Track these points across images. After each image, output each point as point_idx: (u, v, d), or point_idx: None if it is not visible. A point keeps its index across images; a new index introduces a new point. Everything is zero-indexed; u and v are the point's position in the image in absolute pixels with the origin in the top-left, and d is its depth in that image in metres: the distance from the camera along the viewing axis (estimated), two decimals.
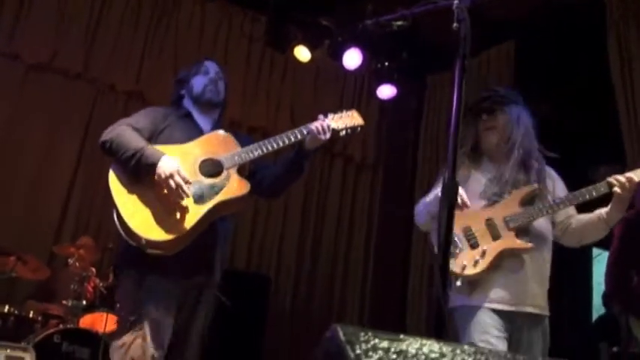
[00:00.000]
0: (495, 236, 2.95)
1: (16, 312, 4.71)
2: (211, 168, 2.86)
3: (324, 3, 6.50)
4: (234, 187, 2.85)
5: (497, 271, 2.91)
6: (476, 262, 2.96)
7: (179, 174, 2.71)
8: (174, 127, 3.02)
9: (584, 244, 3.18)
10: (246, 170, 3.02)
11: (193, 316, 2.91)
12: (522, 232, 2.97)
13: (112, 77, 6.17)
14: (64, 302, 4.88)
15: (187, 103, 3.18)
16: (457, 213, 2.55)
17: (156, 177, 2.71)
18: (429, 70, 7.35)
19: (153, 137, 2.94)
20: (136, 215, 2.69)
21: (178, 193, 2.71)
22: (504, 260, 2.92)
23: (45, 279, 5.21)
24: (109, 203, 2.76)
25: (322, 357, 1.03)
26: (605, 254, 7.51)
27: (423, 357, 1.01)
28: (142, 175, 2.76)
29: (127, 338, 2.69)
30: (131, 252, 2.74)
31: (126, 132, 2.84)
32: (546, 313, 3.02)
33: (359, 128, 3.15)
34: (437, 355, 1.03)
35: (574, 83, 6.10)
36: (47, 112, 5.96)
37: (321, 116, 3.00)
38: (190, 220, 2.72)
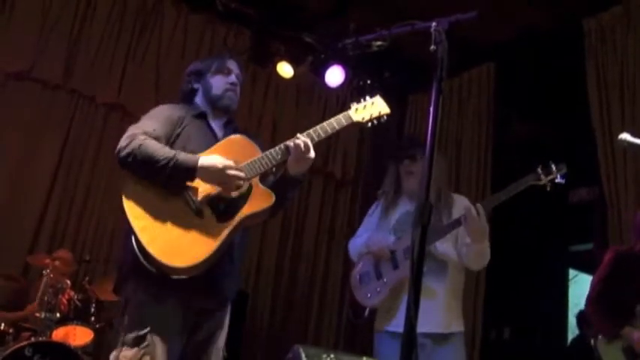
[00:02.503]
0: (395, 267, 3.37)
1: None
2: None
3: (308, 20, 6.54)
4: (259, 198, 2.66)
5: (397, 297, 3.30)
6: (377, 292, 3.45)
7: (229, 164, 2.57)
8: (189, 132, 2.80)
9: (480, 267, 3.44)
10: (270, 176, 2.87)
11: (213, 335, 2.75)
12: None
13: (92, 89, 6.12)
14: (37, 314, 4.81)
15: (200, 100, 2.99)
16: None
17: (201, 177, 2.55)
18: (410, 89, 7.40)
19: (168, 144, 2.71)
20: (157, 240, 2.49)
21: (237, 179, 2.58)
22: (402, 289, 3.24)
23: (18, 290, 5.14)
24: (126, 227, 2.56)
25: None
26: (582, 276, 7.61)
27: None
28: (175, 184, 2.58)
29: (130, 353, 2.51)
30: (140, 269, 2.52)
31: (147, 141, 2.60)
32: (451, 330, 3.34)
33: (385, 117, 2.97)
34: None
35: (552, 105, 6.17)
36: (25, 122, 5.89)
37: (299, 134, 2.77)
38: (215, 241, 2.54)
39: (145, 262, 2.48)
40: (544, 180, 3.15)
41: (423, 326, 3.11)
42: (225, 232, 2.56)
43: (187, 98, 3.03)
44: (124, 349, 2.55)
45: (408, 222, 3.38)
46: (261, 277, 6.79)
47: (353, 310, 3.64)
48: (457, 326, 3.37)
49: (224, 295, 2.75)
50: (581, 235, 6.24)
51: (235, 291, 2.84)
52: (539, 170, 3.16)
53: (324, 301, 7.07)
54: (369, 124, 2.94)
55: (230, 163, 2.59)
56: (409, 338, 1.74)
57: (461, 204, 3.39)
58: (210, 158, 2.59)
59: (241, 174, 2.60)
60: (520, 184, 3.14)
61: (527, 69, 6.07)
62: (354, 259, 3.71)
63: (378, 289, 3.45)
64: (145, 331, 2.52)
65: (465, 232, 3.25)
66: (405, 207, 3.53)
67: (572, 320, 7.25)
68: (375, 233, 3.54)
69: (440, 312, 3.29)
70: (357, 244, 3.68)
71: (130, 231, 2.52)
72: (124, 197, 2.56)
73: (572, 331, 7.23)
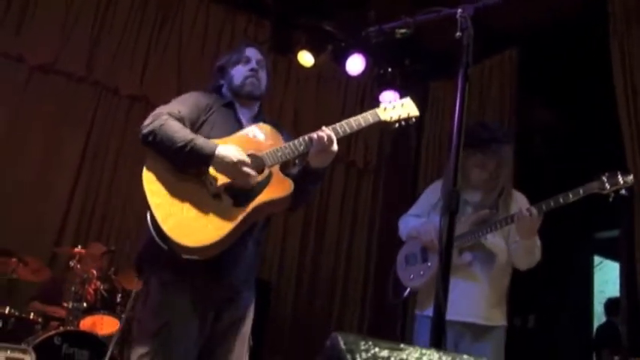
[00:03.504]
0: None
1: (16, 313, 4.71)
2: (253, 164, 2.63)
3: (328, 8, 6.51)
4: (277, 186, 2.65)
5: None
6: (420, 275, 3.46)
7: (243, 161, 2.56)
8: (215, 119, 2.80)
9: (529, 266, 3.38)
10: (292, 168, 2.86)
11: (235, 324, 2.73)
12: (471, 250, 3.32)
13: (115, 80, 6.18)
14: (64, 304, 4.87)
15: (227, 92, 3.00)
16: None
17: (215, 168, 2.56)
18: (431, 77, 7.35)
19: (193, 129, 2.71)
20: (171, 218, 2.49)
21: (248, 178, 2.57)
22: None
23: (46, 280, 5.21)
24: (143, 204, 2.56)
25: None
26: (607, 263, 7.56)
27: None
28: (190, 168, 2.58)
29: (151, 346, 2.51)
30: (158, 253, 2.53)
31: (169, 121, 2.62)
32: (492, 323, 3.31)
33: (414, 119, 2.90)
34: None
35: (577, 91, 6.11)
36: (50, 115, 5.97)
37: (324, 127, 2.73)
38: (230, 224, 2.52)
39: (157, 238, 2.49)
40: (608, 190, 2.98)
41: (464, 315, 3.21)
42: (240, 217, 2.55)
43: (218, 92, 3.04)
44: (140, 341, 2.58)
45: (463, 211, 3.34)
46: (285, 266, 6.82)
47: (393, 289, 3.67)
48: (499, 320, 3.34)
49: (235, 281, 2.72)
50: (607, 222, 6.20)
51: (252, 279, 2.82)
52: (605, 178, 2.99)
53: (346, 290, 7.08)
54: (397, 124, 2.88)
55: (246, 159, 2.58)
56: (438, 324, 1.73)
57: (520, 201, 3.38)
58: (227, 149, 2.59)
59: (253, 172, 2.58)
60: (583, 191, 3.01)
61: (550, 54, 6.00)
62: (403, 238, 3.72)
63: (422, 272, 3.46)
64: (160, 324, 2.54)
65: (514, 232, 3.26)
66: (463, 196, 3.38)
67: (597, 307, 7.21)
68: (427, 221, 3.51)
69: (482, 302, 3.28)
70: (408, 225, 3.67)
71: (147, 207, 2.54)
72: (144, 172, 2.58)
73: (598, 318, 7.19)
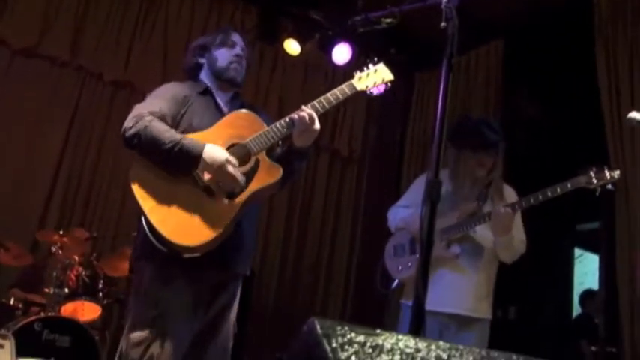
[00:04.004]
0: None
1: None
2: (239, 154, 2.65)
3: None
4: (266, 173, 2.66)
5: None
6: (409, 266, 3.51)
7: (230, 162, 2.56)
8: (195, 109, 2.81)
9: (512, 259, 3.45)
10: (276, 150, 2.86)
11: (225, 309, 2.77)
12: (459, 242, 3.37)
13: (99, 66, 6.11)
14: (46, 290, 4.85)
15: (205, 75, 2.99)
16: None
17: (202, 168, 2.55)
18: (417, 67, 7.36)
19: (174, 124, 2.72)
20: (168, 221, 2.50)
21: (233, 182, 2.57)
22: (434, 266, 3.15)
23: (27, 266, 5.18)
24: (135, 203, 2.57)
25: (299, 350, 1.04)
26: (587, 255, 7.62)
27: (399, 352, 1.02)
28: (177, 170, 2.58)
29: (146, 334, 2.53)
30: (152, 248, 2.54)
31: (153, 123, 2.60)
32: (478, 315, 3.37)
33: (389, 83, 2.92)
34: (412, 350, 1.04)
35: (562, 83, 6.14)
36: (33, 99, 5.90)
37: (303, 106, 2.79)
38: (225, 218, 2.55)
39: (156, 243, 2.50)
40: (595, 184, 3.04)
41: (450, 306, 3.26)
42: (235, 210, 2.57)
43: (192, 74, 3.04)
44: (135, 330, 2.58)
45: (454, 202, 3.39)
46: (268, 253, 6.81)
47: (381, 280, 3.71)
48: (485, 313, 3.39)
49: (234, 267, 2.77)
50: (588, 215, 6.25)
51: (247, 265, 2.86)
52: (592, 173, 3.04)
53: (330, 278, 7.10)
54: (375, 90, 2.91)
55: (232, 160, 2.58)
56: (417, 312, 1.75)
57: (508, 195, 3.43)
58: (213, 151, 2.58)
59: (238, 176, 2.58)
60: (571, 185, 3.06)
61: (536, 47, 6.02)
62: (392, 229, 3.76)
63: (410, 264, 3.52)
64: (156, 312, 2.55)
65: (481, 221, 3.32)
66: (457, 189, 3.49)
67: (577, 299, 7.29)
68: (416, 212, 3.51)
69: (469, 293, 3.33)
70: (397, 217, 3.71)
71: (140, 212, 2.54)
72: (131, 179, 2.58)
73: (577, 309, 7.27)
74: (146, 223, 2.52)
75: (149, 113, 2.65)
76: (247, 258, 2.86)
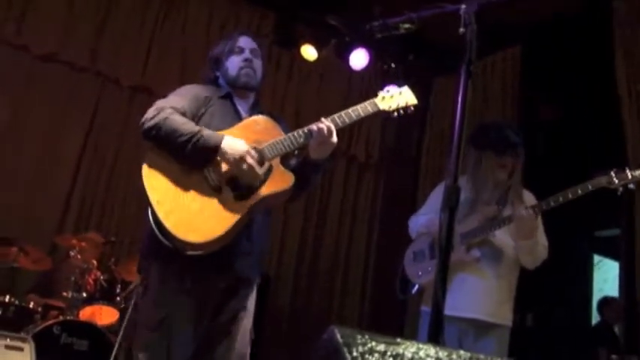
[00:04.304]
0: None
1: (16, 302, 4.72)
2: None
3: (332, 3, 6.50)
4: (278, 180, 2.64)
5: (448, 280, 3.17)
6: (428, 271, 3.45)
7: (250, 154, 2.56)
8: (214, 110, 2.81)
9: (534, 265, 3.38)
10: (292, 159, 2.86)
11: (237, 315, 2.74)
12: (479, 246, 3.32)
13: (117, 71, 6.17)
14: (64, 294, 4.88)
15: (223, 84, 2.99)
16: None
17: (220, 159, 2.55)
18: (435, 73, 7.35)
19: (193, 121, 2.71)
20: (173, 214, 2.49)
21: (252, 174, 2.56)
22: (454, 271, 3.16)
23: (46, 270, 5.22)
24: (143, 200, 2.56)
25: (319, 358, 1.04)
26: (606, 262, 7.55)
27: None
28: (195, 161, 2.57)
29: (151, 338, 2.55)
30: (158, 247, 2.53)
31: (173, 115, 2.62)
32: (497, 321, 3.29)
33: (412, 108, 2.89)
34: (433, 359, 1.04)
35: (579, 88, 6.10)
36: (52, 104, 5.96)
37: (323, 118, 2.73)
38: (232, 218, 2.53)
39: (160, 236, 2.49)
40: (616, 184, 2.99)
41: (468, 311, 3.21)
42: (242, 212, 2.56)
43: (213, 83, 3.04)
44: (142, 332, 2.62)
45: (474, 206, 3.36)
46: (284, 259, 6.82)
47: (401, 286, 3.69)
48: (504, 319, 3.32)
49: (241, 273, 2.74)
50: (607, 221, 6.19)
51: (256, 271, 2.83)
52: (612, 173, 3.00)
53: (346, 284, 7.09)
54: (395, 113, 2.88)
55: (252, 151, 2.58)
56: (436, 319, 1.74)
57: (528, 199, 3.37)
58: (233, 141, 2.59)
59: (257, 168, 2.57)
60: (591, 185, 3.02)
61: (554, 52, 5.98)
62: (413, 236, 3.73)
63: (430, 269, 3.47)
64: (162, 315, 2.55)
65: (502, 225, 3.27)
66: (477, 194, 3.45)
67: (595, 306, 7.22)
68: (435, 216, 3.51)
69: (488, 298, 3.27)
70: (417, 223, 3.70)
71: (148, 203, 2.54)
72: (144, 168, 2.58)
73: (596, 317, 7.20)
74: (152, 215, 2.52)
75: (170, 107, 2.68)
76: (256, 264, 2.83)
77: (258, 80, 3.00)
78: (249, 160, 2.55)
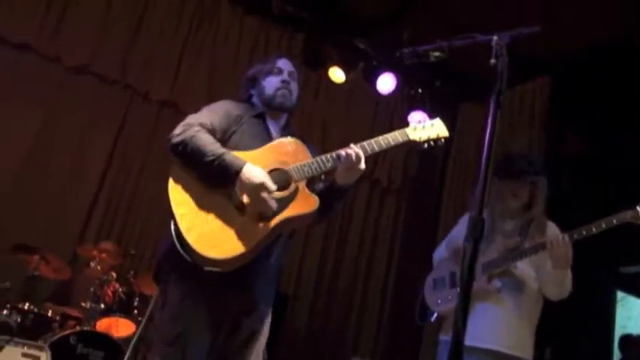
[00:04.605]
0: None
1: (35, 310, 4.75)
2: (279, 179, 2.63)
3: (361, 26, 6.55)
4: (302, 202, 2.63)
5: None
6: (448, 300, 3.43)
7: (265, 185, 2.54)
8: (245, 129, 2.81)
9: (560, 297, 3.30)
10: (318, 184, 2.85)
11: (253, 335, 2.72)
12: (501, 277, 3.27)
13: (146, 85, 6.24)
14: (82, 304, 4.91)
15: (257, 103, 3.00)
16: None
17: (238, 186, 2.55)
18: (461, 100, 7.34)
19: (223, 139, 2.72)
20: (195, 229, 2.50)
21: (264, 206, 2.55)
22: (474, 300, 3.00)
23: (65, 279, 5.25)
24: (167, 214, 2.57)
25: None
26: (630, 298, 7.43)
27: None
28: (217, 182, 2.58)
29: (166, 354, 2.54)
30: (178, 262, 2.54)
31: (199, 134, 2.63)
32: (517, 354, 3.20)
33: (443, 140, 2.89)
34: None
35: (607, 121, 6.05)
36: (81, 115, 6.04)
37: (352, 144, 2.72)
38: (254, 237, 2.52)
39: (180, 249, 2.49)
40: None
41: (488, 342, 3.15)
42: (264, 232, 2.55)
43: (248, 101, 3.05)
44: (158, 346, 2.60)
45: (494, 238, 3.33)
46: (303, 280, 6.80)
47: (420, 313, 3.67)
48: (524, 351, 3.23)
49: (261, 293, 2.73)
50: (633, 257, 6.10)
51: (272, 292, 2.81)
52: (638, 208, 2.95)
53: (363, 309, 7.04)
54: (425, 145, 2.87)
55: (270, 184, 2.56)
56: (456, 350, 1.71)
57: (551, 232, 3.31)
58: (252, 171, 2.57)
59: (270, 202, 2.56)
60: (616, 220, 2.97)
61: (584, 84, 5.95)
62: (434, 265, 3.72)
63: (450, 297, 3.44)
64: (178, 330, 2.54)
65: (547, 260, 3.19)
66: (496, 224, 3.42)
67: (617, 343, 7.09)
68: (460, 237, 3.49)
69: (507, 329, 3.21)
70: (440, 251, 3.70)
71: (171, 217, 2.54)
72: (170, 182, 2.60)
73: (617, 354, 7.07)
74: (174, 229, 2.52)
75: (199, 124, 2.68)
76: (273, 285, 2.82)
77: (293, 102, 3.01)
78: (263, 194, 2.53)
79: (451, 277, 3.51)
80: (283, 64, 3.04)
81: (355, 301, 7.02)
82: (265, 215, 2.57)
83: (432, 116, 2.95)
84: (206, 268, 2.49)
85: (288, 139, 2.83)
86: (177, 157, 2.65)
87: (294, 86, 3.02)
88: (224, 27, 6.58)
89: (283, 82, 2.98)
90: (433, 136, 2.86)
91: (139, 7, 6.26)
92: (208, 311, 2.59)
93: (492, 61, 1.98)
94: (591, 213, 3.20)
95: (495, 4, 5.49)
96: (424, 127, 2.86)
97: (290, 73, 3.02)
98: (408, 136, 2.84)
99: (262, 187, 2.54)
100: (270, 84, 2.97)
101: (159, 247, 2.79)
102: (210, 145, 2.61)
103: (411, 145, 2.89)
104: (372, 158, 6.98)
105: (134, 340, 4.57)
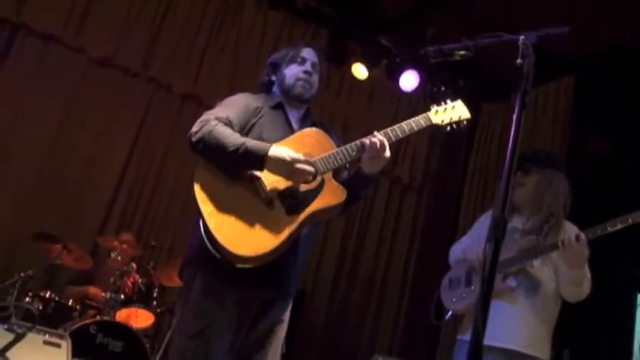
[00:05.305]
0: None
1: (56, 298, 4.82)
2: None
3: (385, 23, 6.52)
4: (330, 194, 2.62)
5: None
6: (463, 298, 3.44)
7: (298, 159, 2.53)
8: (265, 121, 2.78)
9: (577, 299, 3.29)
10: (343, 173, 2.83)
11: (273, 328, 2.71)
12: (516, 275, 3.26)
13: (169, 78, 6.27)
14: (102, 294, 4.96)
15: (277, 91, 2.96)
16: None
17: (268, 167, 2.52)
18: (483, 99, 7.29)
19: (242, 132, 2.69)
20: (224, 227, 2.46)
21: (304, 175, 2.55)
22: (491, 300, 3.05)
23: (86, 269, 5.30)
24: (194, 212, 2.56)
25: None
26: None
27: None
28: (243, 172, 2.56)
29: (189, 347, 2.54)
30: (205, 259, 2.53)
31: (218, 127, 2.59)
32: (533, 353, 3.17)
33: (465, 122, 2.88)
34: None
35: (633, 123, 5.98)
36: (104, 107, 6.09)
37: (375, 132, 2.70)
38: (283, 232, 2.50)
39: (210, 248, 2.47)
40: None
41: (502, 340, 3.12)
42: (294, 225, 2.53)
43: (266, 89, 3.02)
44: (180, 339, 2.60)
45: (510, 237, 3.28)
46: (321, 274, 6.80)
47: (435, 311, 3.67)
48: (539, 351, 3.20)
49: (286, 286, 2.72)
50: None
51: (295, 284, 2.80)
52: None
53: (381, 305, 7.03)
54: (448, 127, 2.86)
55: (299, 156, 2.55)
56: (476, 351, 1.71)
57: (569, 231, 3.28)
58: (280, 149, 2.56)
59: (310, 168, 2.56)
60: (632, 219, 2.96)
61: (608, 85, 5.88)
62: (451, 265, 3.71)
63: (464, 296, 3.45)
64: (203, 325, 2.53)
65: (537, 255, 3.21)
66: (512, 222, 3.39)
67: (637, 348, 7.01)
68: (475, 243, 3.48)
69: (522, 328, 3.19)
70: (456, 250, 3.68)
71: (199, 215, 2.52)
72: (194, 181, 2.57)
73: (638, 358, 7.00)
74: (203, 227, 2.49)
75: (215, 118, 2.65)
76: (296, 277, 2.81)
77: (312, 94, 2.96)
78: (298, 165, 2.53)
79: (467, 276, 3.50)
80: (308, 53, 2.99)
81: (373, 298, 7.01)
82: (295, 205, 2.55)
83: (453, 99, 2.92)
84: (238, 265, 2.48)
85: (311, 130, 2.81)
86: (199, 155, 2.63)
87: (315, 78, 2.97)
88: (248, 21, 6.58)
89: (306, 72, 2.93)
90: (455, 118, 2.85)
91: (162, 0, 6.28)
92: (233, 307, 2.58)
93: (519, 61, 1.98)
94: (612, 213, 3.17)
95: (519, 2, 5.44)
96: (445, 110, 2.85)
97: (313, 64, 2.97)
98: (430, 120, 2.84)
99: (295, 159, 2.53)
100: (292, 72, 2.93)
101: (188, 245, 2.77)
102: (229, 136, 2.58)
103: (434, 128, 2.88)
104: (393, 155, 6.96)
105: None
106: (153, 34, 6.20)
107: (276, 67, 3.01)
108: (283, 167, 2.54)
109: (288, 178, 2.56)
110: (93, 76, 6.07)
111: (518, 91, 1.94)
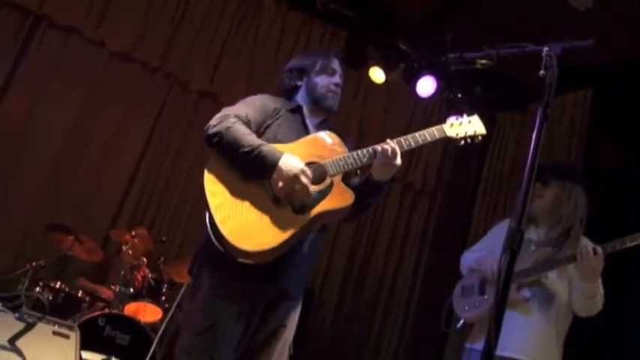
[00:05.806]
0: None
1: (66, 289, 4.85)
2: (315, 173, 2.61)
3: (404, 27, 6.51)
4: (337, 197, 2.63)
5: None
6: (475, 307, 3.44)
7: (305, 174, 2.53)
8: (281, 123, 2.80)
9: (588, 314, 3.27)
10: (354, 178, 2.84)
11: (280, 328, 2.72)
12: (530, 287, 3.25)
13: (186, 75, 6.28)
14: (112, 287, 4.98)
15: (301, 97, 2.98)
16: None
17: (276, 177, 2.53)
18: (499, 107, 7.25)
19: (258, 132, 2.72)
20: (230, 220, 2.48)
21: (304, 193, 2.54)
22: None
23: (97, 262, 5.33)
24: (202, 204, 2.56)
25: None
26: None
27: None
28: (252, 174, 2.58)
29: (195, 343, 2.55)
30: (212, 254, 2.55)
31: (237, 125, 2.62)
32: None
33: (480, 137, 2.87)
34: None
35: None
36: (121, 100, 6.12)
37: (388, 140, 2.71)
38: (288, 231, 2.51)
39: (214, 240, 2.49)
40: None
41: (512, 350, 3.11)
42: (299, 225, 2.54)
43: (288, 94, 3.03)
44: (186, 336, 2.61)
45: (526, 249, 3.29)
46: (330, 277, 6.80)
47: (447, 319, 3.66)
48: None
49: (284, 286, 2.71)
50: None
51: (302, 286, 2.81)
52: None
53: (389, 309, 7.01)
54: (462, 142, 2.85)
55: (307, 172, 2.56)
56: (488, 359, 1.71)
57: (585, 244, 3.24)
58: (290, 160, 2.57)
59: (310, 188, 2.56)
60: None
61: (626, 98, 5.84)
62: (463, 272, 3.70)
63: (477, 304, 3.44)
64: (209, 322, 2.54)
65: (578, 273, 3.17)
66: (527, 233, 3.38)
67: None
68: (487, 254, 3.48)
69: (534, 339, 3.18)
70: (469, 259, 3.66)
71: (206, 207, 2.54)
72: (205, 173, 2.58)
73: None
74: (209, 219, 2.51)
75: (234, 115, 2.67)
76: (303, 279, 2.81)
77: (337, 106, 3.01)
78: (303, 179, 2.53)
79: (480, 284, 3.49)
80: (337, 65, 3.03)
81: (381, 301, 6.99)
82: (302, 206, 2.56)
83: (469, 113, 2.92)
84: (239, 260, 2.49)
85: (327, 133, 2.82)
86: (213, 148, 2.64)
87: (340, 91, 3.01)
88: (267, 21, 6.58)
89: (336, 85, 2.97)
90: (470, 132, 2.84)
91: None
92: (240, 304, 2.59)
93: (542, 72, 1.97)
94: (628, 227, 3.15)
95: (539, 12, 5.42)
96: (461, 124, 2.84)
97: (341, 77, 3.02)
98: (445, 132, 2.83)
99: (302, 175, 2.53)
100: (324, 82, 2.95)
101: (197, 242, 2.79)
102: (247, 135, 2.60)
103: (447, 141, 2.87)
104: (407, 160, 6.98)
105: (162, 328, 4.62)
106: (172, 31, 6.21)
107: (303, 73, 3.01)
108: (287, 179, 2.54)
109: (289, 190, 2.55)
110: (111, 69, 6.10)
111: (540, 102, 1.93)
